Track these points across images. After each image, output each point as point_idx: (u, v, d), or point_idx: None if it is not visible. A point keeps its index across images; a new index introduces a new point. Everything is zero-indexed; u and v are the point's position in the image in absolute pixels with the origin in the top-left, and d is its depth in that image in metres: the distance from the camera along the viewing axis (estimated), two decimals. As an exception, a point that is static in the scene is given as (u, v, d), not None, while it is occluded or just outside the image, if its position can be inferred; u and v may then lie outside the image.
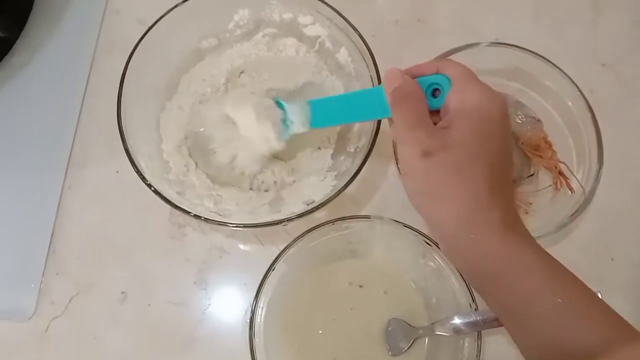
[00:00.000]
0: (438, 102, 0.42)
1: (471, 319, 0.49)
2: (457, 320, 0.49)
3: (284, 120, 0.50)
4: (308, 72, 0.59)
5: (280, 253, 0.51)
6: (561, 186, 0.57)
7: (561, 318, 0.36)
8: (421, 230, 0.52)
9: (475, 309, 0.50)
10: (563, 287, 0.37)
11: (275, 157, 0.56)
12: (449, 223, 0.38)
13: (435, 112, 0.42)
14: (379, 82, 0.52)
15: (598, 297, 0.38)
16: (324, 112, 0.48)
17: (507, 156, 0.40)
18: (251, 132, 0.51)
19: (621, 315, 0.57)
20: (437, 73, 0.42)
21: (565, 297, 0.36)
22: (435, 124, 0.40)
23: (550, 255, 0.39)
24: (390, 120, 0.43)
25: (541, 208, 0.57)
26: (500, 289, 0.38)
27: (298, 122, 0.49)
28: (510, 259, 0.37)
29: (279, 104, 0.51)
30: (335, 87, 0.58)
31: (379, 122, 0.50)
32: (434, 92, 0.42)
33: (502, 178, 0.39)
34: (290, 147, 0.53)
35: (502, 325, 0.48)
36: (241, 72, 0.60)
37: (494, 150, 0.38)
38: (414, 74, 0.43)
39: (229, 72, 0.59)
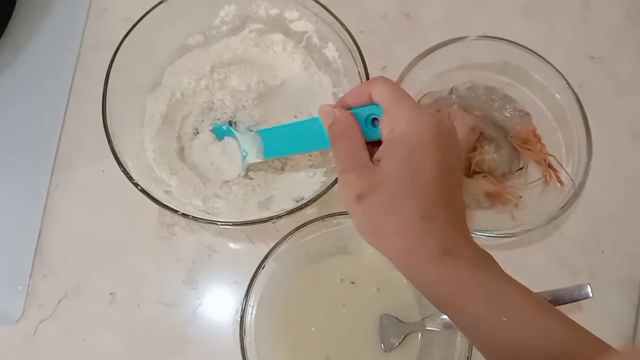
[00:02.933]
0: (377, 132, 0.41)
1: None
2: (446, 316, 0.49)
3: (240, 150, 0.53)
4: (295, 68, 0.58)
5: (270, 251, 0.51)
6: (551, 179, 0.57)
7: (510, 332, 0.36)
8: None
9: (467, 304, 0.49)
10: (505, 304, 0.37)
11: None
12: (393, 258, 0.39)
13: (378, 142, 0.41)
14: (367, 77, 0.52)
15: (545, 303, 0.38)
16: (274, 142, 0.50)
17: (448, 173, 0.39)
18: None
19: (611, 307, 0.58)
20: (370, 101, 0.41)
21: (509, 313, 0.36)
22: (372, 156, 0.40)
23: (491, 272, 0.38)
24: None
25: (531, 201, 0.57)
26: (450, 312, 0.39)
27: (252, 153, 0.51)
28: (448, 284, 0.37)
29: (232, 134, 0.54)
30: (323, 83, 0.58)
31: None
32: (374, 122, 0.41)
33: (441, 201, 0.38)
34: None
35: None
36: (231, 64, 0.59)
37: (425, 177, 0.38)
38: (349, 104, 0.42)
39: (215, 62, 0.58)
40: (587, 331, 0.36)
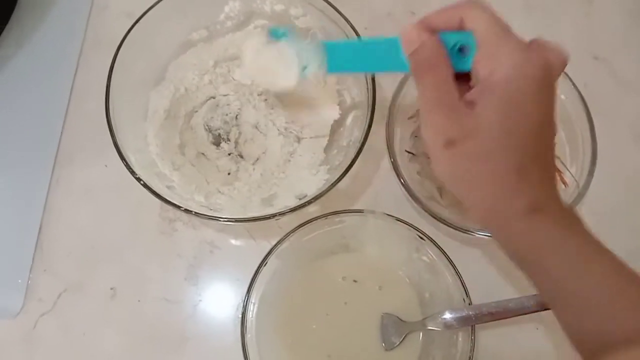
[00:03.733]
0: (466, 63, 0.36)
1: (463, 314, 0.49)
2: (448, 315, 0.49)
3: (298, 58, 0.45)
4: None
5: (273, 248, 0.50)
6: (554, 180, 0.57)
7: (587, 302, 0.35)
8: (414, 225, 0.51)
9: (469, 304, 0.49)
10: (590, 268, 0.35)
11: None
12: (477, 209, 0.37)
13: (465, 75, 0.37)
14: (372, 75, 0.51)
15: (633, 274, 0.36)
16: (340, 57, 0.43)
17: (545, 128, 0.36)
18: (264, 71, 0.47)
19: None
20: (459, 27, 0.36)
21: (591, 279, 0.35)
22: (463, 92, 0.36)
23: (581, 233, 0.37)
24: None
25: (534, 202, 0.57)
26: (531, 272, 0.38)
27: (314, 65, 0.44)
28: (535, 243, 0.36)
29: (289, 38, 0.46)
30: (327, 80, 0.57)
31: (371, 116, 0.50)
32: (461, 50, 0.36)
33: (535, 156, 0.36)
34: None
35: (494, 320, 0.48)
36: (234, 59, 0.59)
37: (526, 129, 0.35)
38: (434, 27, 0.37)
39: (219, 57, 0.58)
40: None
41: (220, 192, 0.54)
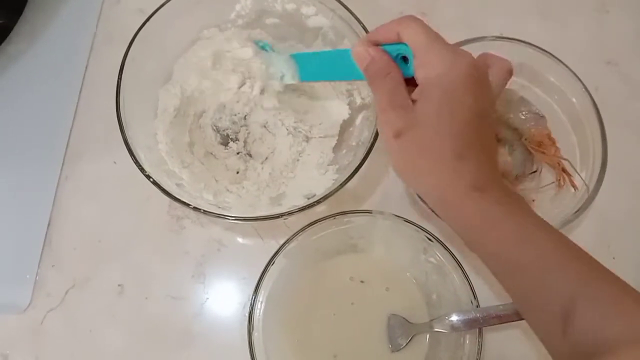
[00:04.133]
0: (409, 69, 0.41)
1: (470, 317, 0.49)
2: (455, 318, 0.49)
3: (277, 68, 0.53)
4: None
5: (280, 247, 0.50)
6: (564, 183, 0.56)
7: (532, 271, 0.38)
8: (423, 226, 0.51)
9: (477, 306, 0.49)
10: (530, 241, 0.39)
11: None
12: (427, 195, 0.42)
13: (412, 80, 0.41)
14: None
15: (572, 245, 0.39)
16: (309, 67, 0.50)
17: (481, 116, 0.40)
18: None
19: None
20: (397, 39, 0.41)
21: (532, 250, 0.38)
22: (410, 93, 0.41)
23: (522, 209, 0.40)
24: None
25: (544, 205, 0.56)
26: (477, 248, 0.41)
27: (288, 75, 0.52)
28: (477, 219, 0.39)
29: (269, 50, 0.55)
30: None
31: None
32: (404, 58, 0.41)
33: (473, 142, 0.39)
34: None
35: (502, 323, 0.48)
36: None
37: (460, 119, 0.39)
38: (377, 41, 0.43)
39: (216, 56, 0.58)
40: (609, 274, 0.38)
41: (228, 190, 0.54)
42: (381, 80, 0.41)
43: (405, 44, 0.40)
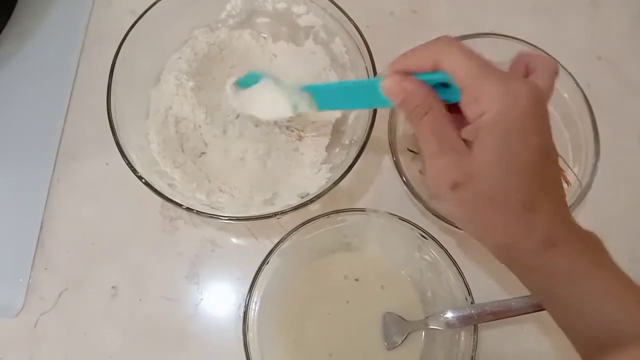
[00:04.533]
0: (450, 94, 0.36)
1: (465, 313, 0.49)
2: (450, 315, 0.49)
3: (281, 94, 0.47)
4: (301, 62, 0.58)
5: (274, 247, 0.50)
6: (557, 179, 0.57)
7: (595, 321, 0.36)
8: (417, 224, 0.51)
9: (471, 303, 0.49)
10: (609, 294, 0.36)
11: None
12: (493, 250, 0.38)
13: (454, 105, 0.37)
14: (374, 73, 0.51)
15: (635, 289, 0.36)
16: (326, 97, 0.46)
17: (547, 155, 0.36)
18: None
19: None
20: (435, 68, 0.36)
21: (610, 304, 0.35)
22: (459, 123, 0.36)
23: (589, 258, 0.37)
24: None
25: (537, 201, 0.56)
26: (551, 307, 0.38)
27: (303, 104, 0.46)
28: (554, 280, 0.36)
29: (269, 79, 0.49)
30: (330, 78, 0.57)
31: (374, 114, 0.50)
32: (443, 86, 0.37)
33: (542, 189, 0.36)
34: None
35: (496, 319, 0.48)
36: (222, 50, 0.59)
37: (526, 164, 0.35)
38: (409, 69, 0.37)
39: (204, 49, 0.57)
40: None
41: (221, 190, 0.53)
42: (423, 118, 0.36)
43: (446, 73, 0.35)
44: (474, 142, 0.35)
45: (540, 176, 0.35)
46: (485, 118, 0.34)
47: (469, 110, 0.35)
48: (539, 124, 0.35)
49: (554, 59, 0.38)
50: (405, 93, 0.36)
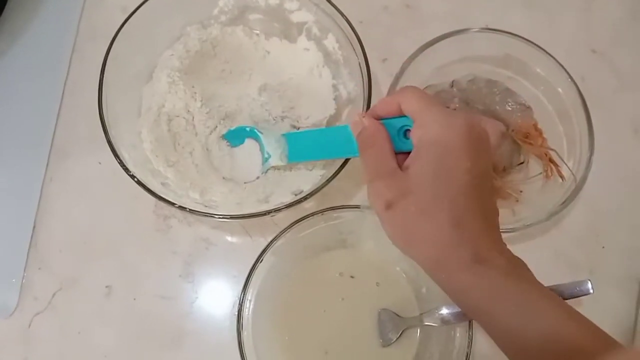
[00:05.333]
0: (410, 143, 0.40)
1: (459, 309, 0.49)
2: (444, 311, 0.49)
3: (261, 150, 0.53)
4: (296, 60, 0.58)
5: (269, 244, 0.50)
6: (552, 174, 0.57)
7: (541, 345, 0.36)
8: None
9: (466, 299, 0.49)
10: (534, 315, 0.36)
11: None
12: (423, 264, 0.39)
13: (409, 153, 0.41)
14: (367, 69, 0.51)
15: (574, 313, 0.37)
16: (300, 146, 0.50)
17: (480, 177, 0.38)
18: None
19: (612, 303, 0.58)
20: (399, 111, 0.41)
21: (538, 324, 0.36)
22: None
23: (522, 281, 0.37)
24: None
25: (532, 196, 0.56)
26: (480, 321, 0.38)
27: (275, 155, 0.51)
28: (480, 294, 0.37)
29: (255, 135, 0.53)
30: (323, 75, 0.57)
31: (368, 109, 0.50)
32: (406, 133, 0.41)
33: (472, 208, 0.37)
34: None
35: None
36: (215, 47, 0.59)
37: (457, 183, 0.37)
38: (379, 115, 0.42)
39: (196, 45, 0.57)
40: (614, 342, 0.36)
41: (215, 189, 0.53)
42: (371, 148, 0.41)
43: (408, 117, 0.40)
44: (411, 164, 0.39)
45: (471, 197, 0.37)
46: (424, 138, 0.38)
47: (415, 135, 0.39)
48: (473, 148, 0.38)
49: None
50: (363, 127, 0.42)
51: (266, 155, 0.52)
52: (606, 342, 0.36)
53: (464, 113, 0.40)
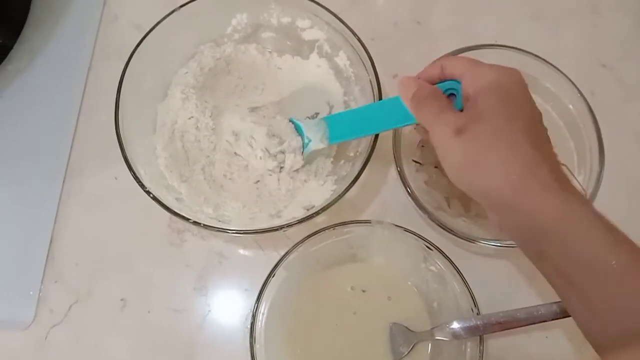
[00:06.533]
0: (456, 105, 0.42)
1: (471, 324, 0.49)
2: (456, 325, 0.49)
3: (301, 136, 0.52)
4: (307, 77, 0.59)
5: (281, 258, 0.51)
6: (562, 189, 0.57)
7: (623, 280, 0.35)
8: (422, 235, 0.51)
9: (477, 314, 0.49)
10: (619, 245, 0.36)
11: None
12: (502, 188, 0.37)
13: None
14: (378, 86, 0.52)
15: None
16: (340, 127, 0.50)
17: (539, 120, 0.40)
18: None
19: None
20: (443, 75, 0.43)
21: (622, 257, 0.35)
22: None
23: (600, 213, 0.37)
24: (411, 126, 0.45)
25: (543, 211, 0.56)
26: (559, 251, 0.37)
27: (316, 139, 0.51)
28: (567, 217, 0.36)
29: (295, 124, 0.53)
30: (334, 91, 0.58)
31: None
32: (451, 96, 0.43)
33: (540, 138, 0.39)
34: None
35: (502, 330, 0.48)
36: (229, 64, 0.60)
37: (524, 114, 0.39)
38: (423, 79, 0.45)
39: (210, 63, 0.58)
40: None
41: (229, 204, 0.54)
42: (431, 102, 0.42)
43: (452, 81, 0.42)
44: (476, 101, 0.40)
45: (539, 132, 0.39)
46: (482, 85, 0.40)
47: (469, 88, 0.41)
48: (526, 96, 0.40)
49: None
50: (418, 85, 0.43)
51: (306, 141, 0.52)
52: None
53: (509, 68, 0.41)
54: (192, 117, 0.55)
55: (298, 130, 0.53)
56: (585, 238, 0.36)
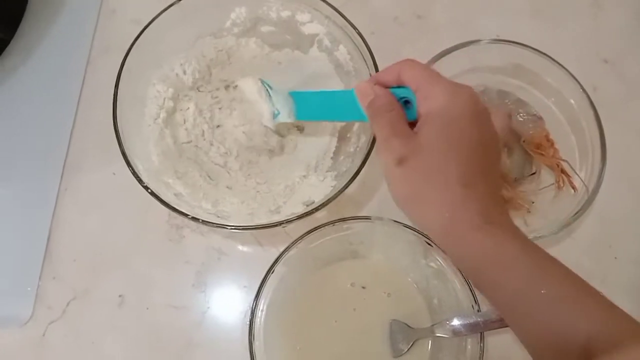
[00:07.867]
0: (411, 113, 0.42)
1: (471, 321, 0.49)
2: (456, 322, 0.49)
3: (271, 106, 0.52)
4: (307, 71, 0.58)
5: (280, 255, 0.50)
6: (563, 185, 0.56)
7: (549, 309, 0.36)
8: (422, 231, 0.51)
9: (478, 311, 0.49)
10: (547, 277, 0.37)
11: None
12: (431, 225, 0.39)
13: (412, 124, 0.42)
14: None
15: (586, 283, 0.37)
16: (307, 106, 0.50)
17: (485, 147, 0.40)
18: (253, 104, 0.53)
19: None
20: (400, 82, 0.42)
21: (551, 287, 0.36)
22: None
23: (533, 245, 0.38)
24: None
25: (543, 207, 0.56)
26: (488, 286, 0.38)
27: (284, 113, 0.50)
28: (491, 255, 0.37)
29: (266, 86, 0.52)
30: (334, 86, 0.57)
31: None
32: (406, 104, 0.42)
33: (479, 172, 0.39)
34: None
35: (503, 327, 0.48)
36: (230, 57, 0.59)
37: (464, 146, 0.38)
38: (381, 82, 0.44)
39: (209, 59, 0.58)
40: (626, 315, 0.36)
41: (227, 199, 0.53)
42: (385, 114, 0.41)
43: (408, 88, 0.42)
44: (422, 127, 0.40)
45: (479, 161, 0.39)
46: (432, 107, 0.39)
47: (421, 106, 0.40)
48: (478, 120, 0.40)
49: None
50: (375, 94, 0.43)
51: (275, 112, 0.51)
52: (621, 322, 0.35)
53: (468, 87, 0.40)
54: (187, 112, 0.55)
55: (267, 93, 0.52)
56: (506, 273, 0.37)
